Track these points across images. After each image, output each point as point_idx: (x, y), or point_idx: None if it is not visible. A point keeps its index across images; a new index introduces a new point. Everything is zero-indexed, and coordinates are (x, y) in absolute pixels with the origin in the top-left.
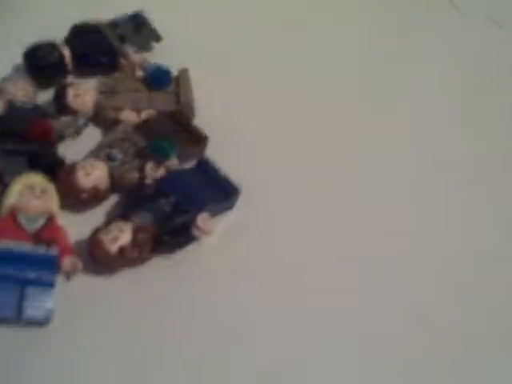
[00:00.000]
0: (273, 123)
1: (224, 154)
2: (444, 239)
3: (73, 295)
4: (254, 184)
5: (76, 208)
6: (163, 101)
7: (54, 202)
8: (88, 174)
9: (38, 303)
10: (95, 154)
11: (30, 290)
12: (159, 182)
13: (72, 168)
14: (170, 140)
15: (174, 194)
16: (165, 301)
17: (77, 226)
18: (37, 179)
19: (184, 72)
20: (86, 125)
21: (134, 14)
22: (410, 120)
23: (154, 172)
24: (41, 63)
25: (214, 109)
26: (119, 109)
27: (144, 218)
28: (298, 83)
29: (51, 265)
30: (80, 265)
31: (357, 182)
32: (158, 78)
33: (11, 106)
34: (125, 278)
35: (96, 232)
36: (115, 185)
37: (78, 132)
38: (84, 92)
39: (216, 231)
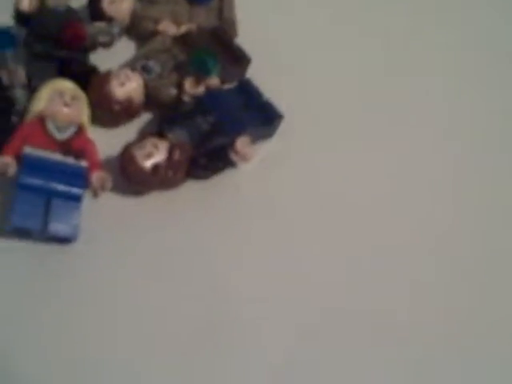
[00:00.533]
0: (319, 48)
1: (265, 78)
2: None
3: (99, 213)
4: (296, 112)
5: (107, 123)
6: (205, 16)
7: (84, 111)
8: (122, 84)
9: (64, 218)
10: (131, 64)
11: (57, 204)
12: (198, 99)
13: (106, 76)
14: (213, 55)
15: (213, 112)
16: (195, 226)
17: (107, 142)
18: (67, 85)
19: None
20: (120, 34)
21: None
22: None
23: (192, 88)
24: None
25: (256, 30)
26: (157, 20)
27: (180, 135)
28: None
29: (80, 178)
30: (109, 181)
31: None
32: None
33: (43, 5)
34: (155, 200)
35: (129, 147)
36: (150, 100)
37: (111, 41)
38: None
39: (254, 158)
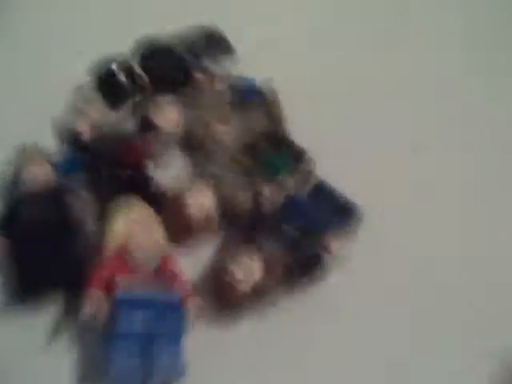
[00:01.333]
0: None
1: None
2: None
3: (199, 342)
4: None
5: (181, 241)
6: (254, 116)
7: (162, 235)
8: (199, 203)
9: (170, 360)
10: (199, 175)
11: (160, 347)
12: (280, 207)
13: (180, 199)
14: (280, 154)
15: (297, 218)
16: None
17: (187, 261)
18: (140, 210)
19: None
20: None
21: (206, 28)
22: None
23: (272, 196)
24: (118, 87)
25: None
26: (207, 124)
27: (272, 247)
28: None
29: (178, 312)
30: (203, 308)
31: None
32: (253, 92)
33: (98, 132)
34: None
35: (223, 272)
36: (226, 213)
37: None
38: (167, 109)
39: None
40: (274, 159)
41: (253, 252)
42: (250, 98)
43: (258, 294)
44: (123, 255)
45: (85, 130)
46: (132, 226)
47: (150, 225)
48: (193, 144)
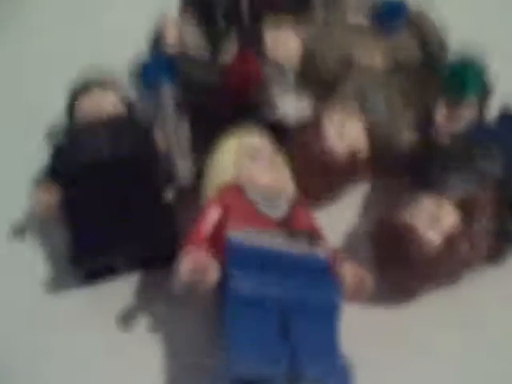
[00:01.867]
0: None
1: None
2: None
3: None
4: None
5: (313, 194)
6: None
7: (288, 176)
8: (341, 133)
9: (319, 351)
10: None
11: (301, 327)
12: (462, 136)
13: (314, 127)
14: (476, 67)
15: (491, 149)
16: None
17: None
18: (257, 142)
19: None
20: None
21: None
22: None
23: (448, 123)
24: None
25: None
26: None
27: (463, 187)
28: None
29: (327, 277)
30: (369, 279)
31: None
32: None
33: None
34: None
35: (395, 215)
36: (379, 150)
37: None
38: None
39: None
40: (466, 74)
41: (434, 195)
42: (392, 18)
43: (453, 250)
44: (233, 201)
45: (172, 36)
46: (245, 162)
47: (272, 161)
48: (320, 73)
